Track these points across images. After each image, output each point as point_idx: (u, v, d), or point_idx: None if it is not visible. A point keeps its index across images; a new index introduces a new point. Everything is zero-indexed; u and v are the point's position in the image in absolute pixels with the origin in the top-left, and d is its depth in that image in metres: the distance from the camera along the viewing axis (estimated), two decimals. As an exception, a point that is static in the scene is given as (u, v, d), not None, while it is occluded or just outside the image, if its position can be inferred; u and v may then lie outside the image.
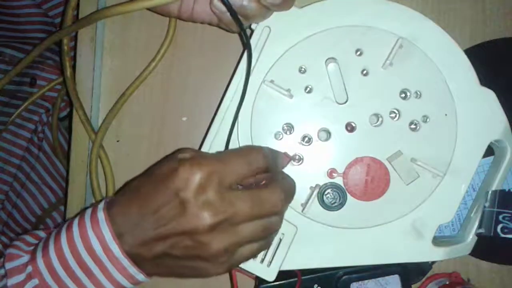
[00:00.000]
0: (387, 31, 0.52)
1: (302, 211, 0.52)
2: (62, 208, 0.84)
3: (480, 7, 0.59)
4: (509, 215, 0.52)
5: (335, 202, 0.52)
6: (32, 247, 0.47)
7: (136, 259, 0.44)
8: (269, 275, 0.52)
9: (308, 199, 0.52)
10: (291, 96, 0.52)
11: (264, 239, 0.47)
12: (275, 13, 0.52)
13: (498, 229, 0.52)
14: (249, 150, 0.46)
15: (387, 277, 0.55)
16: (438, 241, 0.54)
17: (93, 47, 0.60)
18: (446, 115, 0.52)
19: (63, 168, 0.85)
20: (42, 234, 0.50)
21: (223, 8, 0.49)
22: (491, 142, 0.53)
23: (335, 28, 0.52)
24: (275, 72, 0.52)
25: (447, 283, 0.57)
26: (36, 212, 0.82)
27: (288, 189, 0.48)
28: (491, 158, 0.56)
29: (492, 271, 0.60)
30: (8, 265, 0.45)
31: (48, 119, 0.84)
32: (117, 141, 0.61)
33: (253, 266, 0.52)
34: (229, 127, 0.51)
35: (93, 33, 0.60)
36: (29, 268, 0.44)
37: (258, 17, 0.51)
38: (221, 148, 0.52)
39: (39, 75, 0.83)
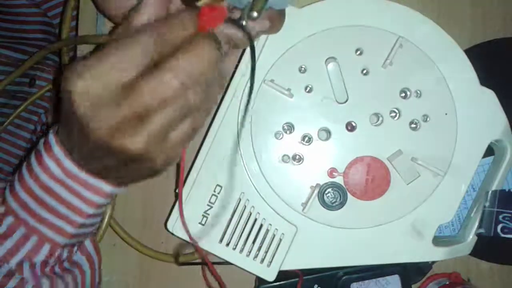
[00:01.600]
0: (387, 31, 0.52)
1: (303, 210, 0.52)
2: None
3: (480, 7, 0.60)
4: (509, 215, 0.52)
5: (335, 202, 0.52)
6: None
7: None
8: (269, 275, 0.52)
9: (309, 199, 0.52)
10: (291, 96, 0.52)
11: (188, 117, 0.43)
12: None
13: (498, 229, 0.52)
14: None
15: (387, 277, 0.55)
16: (438, 241, 0.54)
17: (93, 47, 0.60)
18: (446, 114, 0.52)
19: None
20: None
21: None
22: (491, 142, 0.53)
23: (335, 28, 0.52)
24: (275, 71, 0.52)
25: (447, 283, 0.57)
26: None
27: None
28: (491, 158, 0.56)
29: (492, 271, 0.60)
30: None
31: (48, 119, 0.84)
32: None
33: (253, 266, 0.52)
34: (232, 126, 0.52)
35: (93, 33, 0.60)
36: (1, 209, 0.45)
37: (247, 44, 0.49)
38: (222, 149, 0.52)
39: (39, 76, 0.83)
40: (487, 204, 0.54)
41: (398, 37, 0.52)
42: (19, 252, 0.45)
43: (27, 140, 0.82)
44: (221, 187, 0.52)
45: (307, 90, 0.52)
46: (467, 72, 0.52)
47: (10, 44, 0.83)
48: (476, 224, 0.55)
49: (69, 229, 0.46)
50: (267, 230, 0.52)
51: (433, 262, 0.58)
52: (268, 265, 0.52)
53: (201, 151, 0.52)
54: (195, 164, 0.52)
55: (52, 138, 0.44)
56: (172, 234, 0.52)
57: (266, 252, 0.52)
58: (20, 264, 0.45)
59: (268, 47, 0.52)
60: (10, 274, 0.45)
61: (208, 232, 0.52)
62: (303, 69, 0.52)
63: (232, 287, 0.60)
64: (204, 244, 0.52)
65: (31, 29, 0.84)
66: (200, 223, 0.52)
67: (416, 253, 0.53)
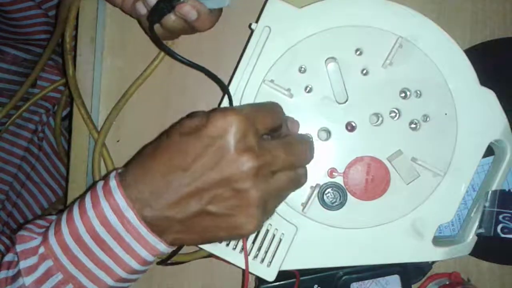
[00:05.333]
0: (387, 31, 0.52)
1: (302, 210, 0.52)
2: (62, 207, 0.84)
3: (480, 7, 0.59)
4: (509, 215, 0.52)
5: (335, 202, 0.52)
6: (43, 229, 0.45)
7: (163, 225, 0.42)
8: (269, 275, 0.52)
9: (308, 199, 0.52)
10: (291, 96, 0.52)
11: (290, 192, 0.47)
12: (275, 13, 0.52)
13: (498, 229, 0.52)
14: (273, 103, 0.48)
15: (387, 277, 0.55)
16: (438, 241, 0.54)
17: (93, 47, 0.60)
18: (446, 114, 0.52)
19: (63, 167, 0.85)
20: (54, 218, 0.47)
21: (142, 11, 0.51)
22: (491, 142, 0.53)
23: (335, 28, 0.52)
24: (275, 71, 0.52)
25: (447, 283, 0.57)
26: (36, 211, 0.82)
27: (311, 143, 0.48)
28: (491, 158, 0.56)
29: (492, 271, 0.60)
30: (19, 247, 0.43)
31: (48, 119, 0.84)
32: (117, 141, 0.61)
33: (253, 266, 0.52)
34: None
35: (93, 33, 0.61)
36: (42, 249, 0.43)
37: (176, 29, 0.52)
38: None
39: (40, 76, 0.83)
40: (487, 204, 0.54)
41: (398, 37, 0.52)
42: None
43: (28, 140, 0.83)
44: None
45: (307, 90, 0.52)
46: (467, 72, 0.52)
47: (16, 44, 0.83)
48: (476, 224, 0.55)
49: (109, 281, 0.44)
50: (267, 230, 0.52)
51: (433, 262, 0.58)
52: (268, 265, 0.52)
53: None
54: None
55: (113, 181, 0.42)
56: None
57: (266, 252, 0.52)
58: None
59: (268, 47, 0.52)
60: None
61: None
62: (303, 69, 0.52)
63: (232, 287, 0.60)
64: (204, 244, 0.52)
65: (35, 31, 0.84)
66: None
67: (416, 253, 0.53)
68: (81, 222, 0.42)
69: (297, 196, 0.52)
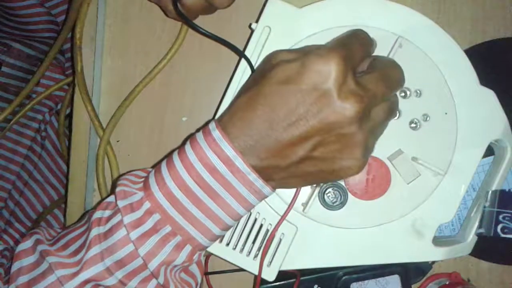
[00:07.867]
0: (387, 31, 0.52)
1: (303, 210, 0.52)
2: (64, 205, 0.84)
3: (480, 7, 0.59)
4: (509, 215, 0.52)
5: (336, 201, 0.52)
6: (140, 185, 0.45)
7: (267, 172, 0.43)
8: (269, 275, 0.52)
9: (309, 199, 0.52)
10: (291, 96, 0.52)
11: (387, 124, 0.46)
12: (275, 13, 0.52)
13: (498, 229, 0.52)
14: (356, 31, 0.46)
15: (387, 277, 0.55)
16: (438, 241, 0.54)
17: (93, 47, 0.61)
18: (446, 114, 0.52)
19: (65, 166, 0.86)
20: (142, 173, 0.47)
21: None
22: (491, 142, 0.53)
23: (335, 28, 0.52)
24: (275, 72, 0.52)
25: (447, 283, 0.57)
26: (39, 210, 0.83)
27: (399, 65, 0.46)
28: (491, 158, 0.56)
29: (492, 271, 0.60)
30: (121, 203, 0.43)
31: (51, 118, 0.84)
32: (117, 141, 0.61)
33: (253, 266, 0.52)
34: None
35: (93, 33, 0.61)
36: (147, 204, 0.43)
37: (196, 7, 0.52)
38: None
39: (43, 74, 0.83)
40: (487, 204, 0.54)
41: (398, 37, 0.52)
42: (160, 253, 0.42)
43: (31, 139, 0.83)
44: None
45: (306, 90, 0.52)
46: (467, 72, 0.52)
47: (21, 39, 0.84)
48: (476, 224, 0.55)
49: (216, 230, 0.44)
50: (267, 230, 0.53)
51: (433, 262, 0.58)
52: (268, 265, 0.52)
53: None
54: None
55: (216, 131, 0.42)
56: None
57: (266, 252, 0.52)
58: (158, 268, 0.43)
59: (268, 47, 0.52)
60: (148, 279, 0.43)
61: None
62: (302, 69, 0.52)
63: (232, 287, 0.60)
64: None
65: (38, 29, 0.84)
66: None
67: (416, 253, 0.53)
68: (187, 174, 0.42)
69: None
